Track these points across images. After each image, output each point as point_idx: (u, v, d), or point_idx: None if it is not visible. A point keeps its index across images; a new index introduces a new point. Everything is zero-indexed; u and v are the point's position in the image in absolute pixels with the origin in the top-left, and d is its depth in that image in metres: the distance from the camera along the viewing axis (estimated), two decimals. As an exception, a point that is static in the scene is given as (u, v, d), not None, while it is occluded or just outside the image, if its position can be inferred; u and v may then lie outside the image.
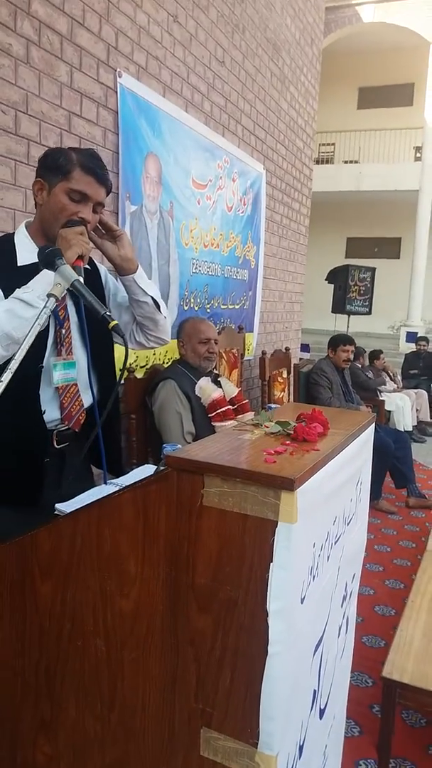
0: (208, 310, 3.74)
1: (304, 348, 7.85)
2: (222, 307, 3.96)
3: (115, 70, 2.61)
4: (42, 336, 1.38)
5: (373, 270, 9.22)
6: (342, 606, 1.35)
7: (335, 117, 14.29)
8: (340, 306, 9.66)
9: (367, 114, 14.89)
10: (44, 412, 1.45)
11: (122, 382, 2.76)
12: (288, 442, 1.11)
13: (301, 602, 0.97)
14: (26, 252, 1.44)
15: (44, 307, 1.25)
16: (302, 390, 4.73)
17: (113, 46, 2.60)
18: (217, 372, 2.96)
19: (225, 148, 3.81)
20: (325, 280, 10.22)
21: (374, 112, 14.72)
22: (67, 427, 1.51)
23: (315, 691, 1.16)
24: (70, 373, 1.48)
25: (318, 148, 16.37)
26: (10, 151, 2.02)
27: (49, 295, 1.27)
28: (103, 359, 1.57)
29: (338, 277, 9.62)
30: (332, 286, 9.95)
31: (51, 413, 1.47)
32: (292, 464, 0.96)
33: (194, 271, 3.50)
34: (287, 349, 4.74)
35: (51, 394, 1.46)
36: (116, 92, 2.63)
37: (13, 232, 1.48)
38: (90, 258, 1.50)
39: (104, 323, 1.29)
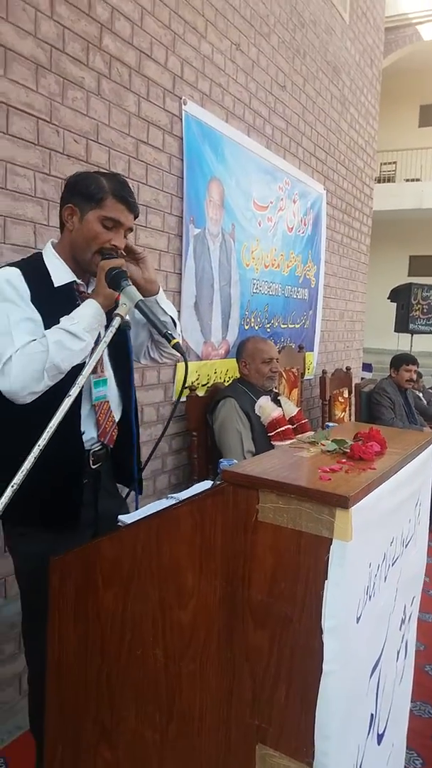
0: (268, 330, 3.76)
1: (367, 367, 7.72)
2: (282, 326, 3.97)
3: (180, 98, 2.70)
4: None
5: (437, 288, 9.02)
6: (400, 629, 1.33)
7: (396, 135, 14.15)
8: (402, 325, 9.49)
9: (428, 132, 14.68)
10: (83, 433, 1.48)
11: (182, 399, 2.82)
12: (344, 460, 1.12)
13: (357, 621, 0.97)
14: (60, 272, 1.47)
15: (110, 326, 1.32)
16: (364, 410, 4.67)
17: (179, 75, 2.69)
18: (276, 391, 2.97)
19: (286, 170, 3.85)
20: (387, 298, 10.07)
21: (437, 130, 14.52)
22: (101, 446, 1.54)
23: (372, 714, 1.14)
24: (103, 390, 1.52)
25: (379, 167, 16.23)
26: (81, 179, 2.12)
27: (115, 315, 1.33)
28: (129, 377, 1.60)
29: (401, 295, 9.47)
30: (395, 304, 9.80)
31: (88, 432, 1.50)
32: (348, 482, 0.97)
33: (255, 291, 3.54)
34: (348, 368, 4.69)
35: (87, 412, 1.49)
36: (181, 119, 2.71)
37: (40, 253, 1.51)
38: None
39: (167, 341, 1.34)
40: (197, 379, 2.99)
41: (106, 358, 1.56)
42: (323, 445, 1.22)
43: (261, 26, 3.43)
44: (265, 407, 2.69)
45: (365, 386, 4.77)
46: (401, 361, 4.62)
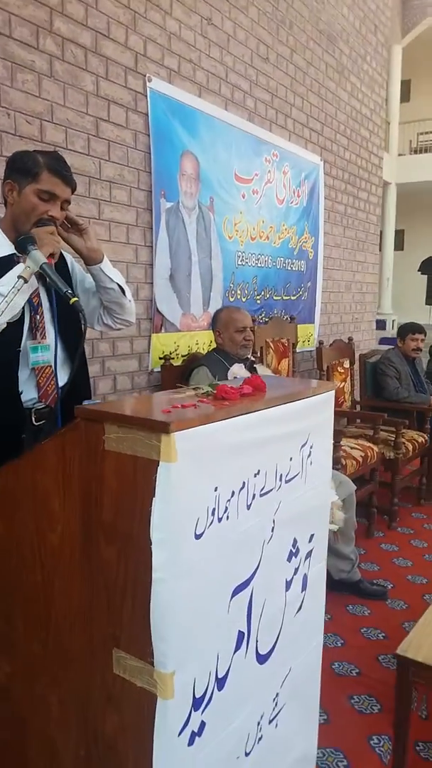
0: (259, 302, 3.83)
1: (392, 342, 7.63)
2: (275, 298, 4.02)
3: (144, 76, 2.79)
4: (19, 322, 1.55)
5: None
6: (290, 561, 1.41)
7: (433, 103, 13.75)
8: None
9: (467, 97, 14.22)
10: (21, 393, 1.61)
11: (157, 369, 2.92)
12: (206, 399, 1.21)
13: (197, 538, 1.07)
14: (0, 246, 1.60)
15: (13, 287, 1.44)
16: (369, 380, 4.68)
17: (141, 53, 2.77)
18: (253, 359, 3.05)
19: (273, 142, 3.88)
20: (418, 270, 9.91)
21: None
22: (44, 405, 1.66)
23: (242, 632, 1.24)
24: (44, 355, 1.64)
25: (416, 138, 15.79)
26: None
27: (18, 277, 1.45)
28: (73, 342, 1.70)
29: None
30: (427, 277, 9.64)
31: (28, 393, 1.63)
32: (185, 414, 1.07)
33: (240, 263, 3.60)
34: (350, 339, 4.70)
35: (27, 375, 1.62)
36: (146, 96, 2.80)
37: None
38: None
39: (66, 300, 1.45)
40: (176, 350, 3.09)
41: (48, 326, 1.67)
42: (201, 389, 1.32)
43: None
44: (238, 374, 2.77)
45: (371, 357, 4.77)
46: (407, 330, 4.61)
